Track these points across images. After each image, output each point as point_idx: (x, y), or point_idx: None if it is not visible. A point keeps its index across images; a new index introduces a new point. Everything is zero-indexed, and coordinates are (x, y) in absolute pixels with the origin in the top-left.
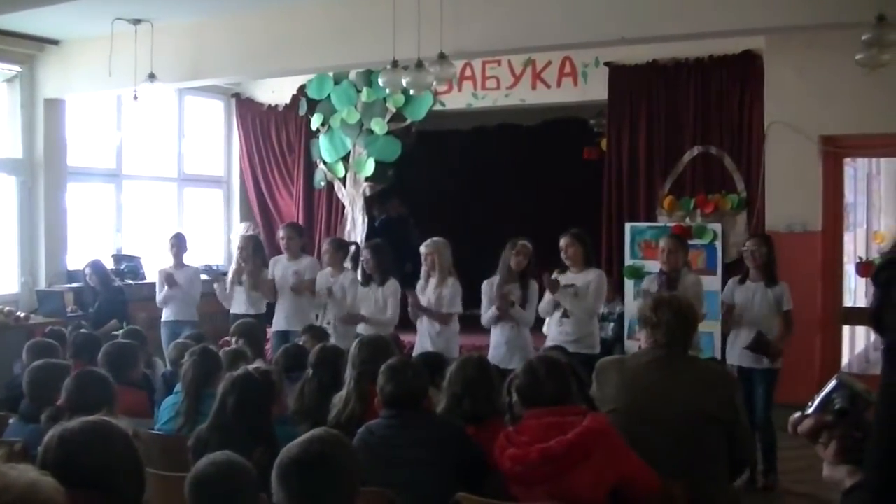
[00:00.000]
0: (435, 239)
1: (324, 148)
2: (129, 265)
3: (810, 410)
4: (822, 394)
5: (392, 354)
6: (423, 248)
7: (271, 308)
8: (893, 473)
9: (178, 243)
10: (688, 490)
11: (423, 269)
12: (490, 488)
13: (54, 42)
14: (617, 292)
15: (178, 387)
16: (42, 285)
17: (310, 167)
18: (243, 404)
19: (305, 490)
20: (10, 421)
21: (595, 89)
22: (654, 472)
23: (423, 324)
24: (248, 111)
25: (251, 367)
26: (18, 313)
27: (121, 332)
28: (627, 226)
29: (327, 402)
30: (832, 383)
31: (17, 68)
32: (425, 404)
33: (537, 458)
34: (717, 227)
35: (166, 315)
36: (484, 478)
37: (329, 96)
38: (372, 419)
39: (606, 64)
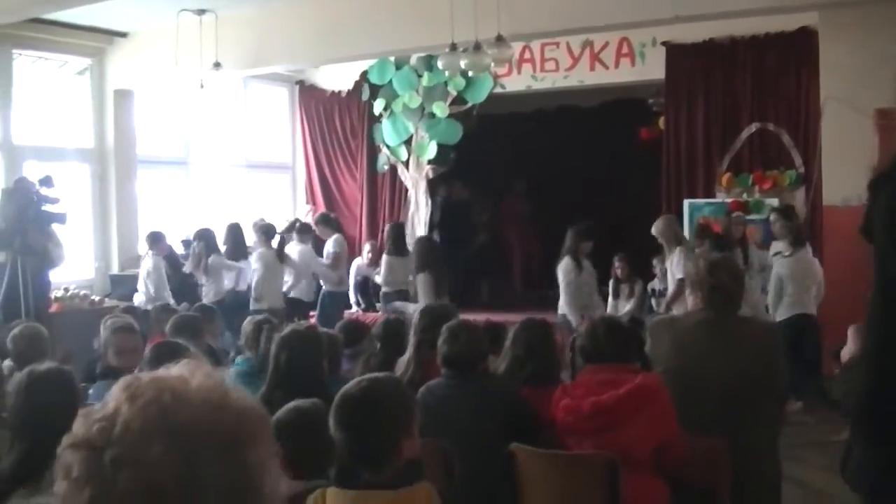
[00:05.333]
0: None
1: (386, 132)
2: None
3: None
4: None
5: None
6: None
7: None
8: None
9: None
10: (731, 452)
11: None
12: (543, 445)
13: (122, 34)
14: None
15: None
16: (115, 270)
17: (373, 151)
18: (295, 359)
19: (352, 423)
20: (90, 391)
21: (652, 69)
22: (688, 445)
23: None
24: (312, 98)
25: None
26: (93, 297)
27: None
28: (686, 202)
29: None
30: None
31: (87, 61)
32: (483, 367)
33: (588, 409)
34: (775, 201)
35: None
36: (537, 437)
37: (391, 81)
38: None
39: (663, 43)
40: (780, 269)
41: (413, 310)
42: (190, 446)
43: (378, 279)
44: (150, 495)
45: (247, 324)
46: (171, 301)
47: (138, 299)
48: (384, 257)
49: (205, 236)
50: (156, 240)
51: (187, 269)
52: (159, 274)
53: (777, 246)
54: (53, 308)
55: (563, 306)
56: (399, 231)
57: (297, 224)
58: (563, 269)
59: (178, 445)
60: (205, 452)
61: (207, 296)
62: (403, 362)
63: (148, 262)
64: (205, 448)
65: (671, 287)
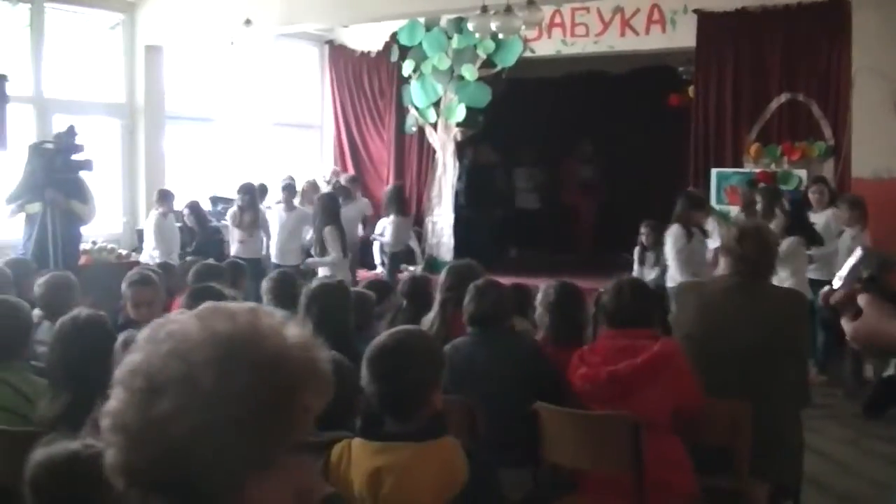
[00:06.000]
0: None
1: (415, 94)
2: (225, 207)
3: (840, 283)
4: (849, 266)
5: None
6: None
7: None
8: None
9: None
10: (753, 415)
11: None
12: (566, 404)
13: None
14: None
15: None
16: (142, 225)
17: (401, 113)
18: (325, 312)
19: (386, 372)
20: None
21: (683, 36)
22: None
23: None
24: (341, 58)
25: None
26: (120, 251)
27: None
28: (713, 171)
29: None
30: (857, 255)
31: (119, 16)
32: (509, 326)
33: (605, 379)
34: (803, 173)
35: None
36: (560, 395)
37: (420, 43)
38: None
39: (695, 11)
40: (860, 243)
41: (331, 260)
42: (235, 365)
43: (381, 240)
44: (180, 360)
45: (267, 280)
46: (176, 258)
47: (143, 257)
48: (391, 218)
49: (249, 190)
50: (163, 197)
51: (230, 222)
52: (160, 231)
53: (814, 218)
54: (82, 261)
55: (672, 275)
56: (399, 192)
57: (337, 185)
58: (673, 236)
59: (227, 355)
60: (246, 375)
61: (245, 253)
62: (428, 320)
63: (151, 220)
64: (247, 371)
65: None
